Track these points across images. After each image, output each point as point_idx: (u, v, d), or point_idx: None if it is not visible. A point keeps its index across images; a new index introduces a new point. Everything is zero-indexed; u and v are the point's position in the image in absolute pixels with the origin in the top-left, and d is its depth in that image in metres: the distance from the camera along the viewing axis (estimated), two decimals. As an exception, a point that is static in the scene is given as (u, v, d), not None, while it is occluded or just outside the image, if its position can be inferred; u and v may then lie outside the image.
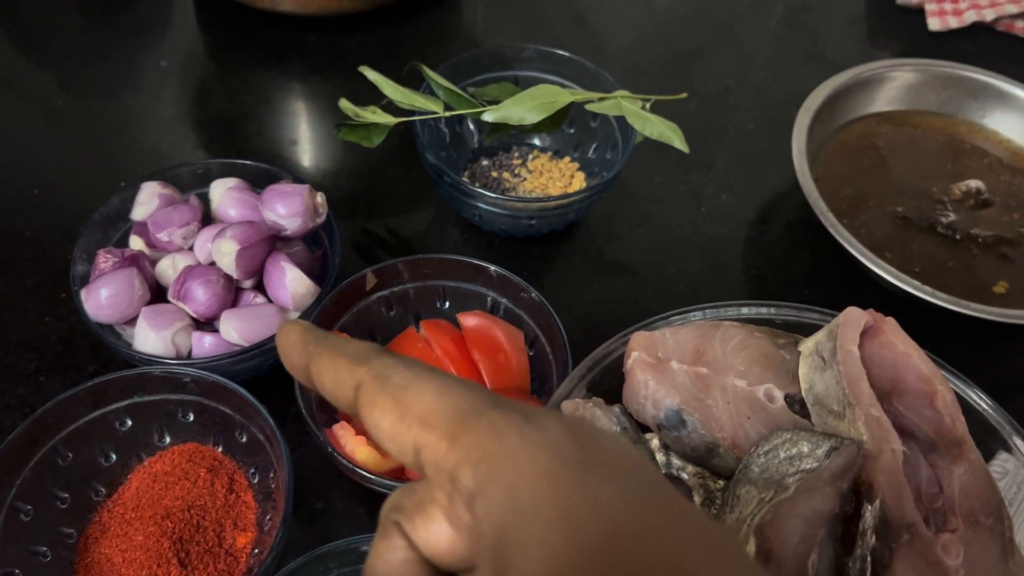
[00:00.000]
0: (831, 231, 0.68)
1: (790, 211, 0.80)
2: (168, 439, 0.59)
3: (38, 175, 0.77)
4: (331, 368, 0.28)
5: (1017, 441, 0.52)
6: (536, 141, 0.79)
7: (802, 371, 0.51)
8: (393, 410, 0.26)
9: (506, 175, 0.76)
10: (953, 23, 0.96)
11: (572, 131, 0.77)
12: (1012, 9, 0.95)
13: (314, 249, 0.65)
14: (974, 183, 0.77)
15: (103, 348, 0.64)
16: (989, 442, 0.53)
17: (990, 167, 0.80)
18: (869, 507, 0.45)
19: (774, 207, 0.80)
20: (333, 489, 0.60)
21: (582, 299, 0.72)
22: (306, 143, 0.83)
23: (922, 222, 0.75)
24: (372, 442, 0.55)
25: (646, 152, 0.77)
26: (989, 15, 0.96)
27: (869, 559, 0.45)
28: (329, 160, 0.81)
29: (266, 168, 0.66)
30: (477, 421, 0.24)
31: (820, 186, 0.71)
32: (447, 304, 0.65)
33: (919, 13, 1.00)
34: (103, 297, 0.57)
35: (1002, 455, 0.54)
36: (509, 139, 0.78)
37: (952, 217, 0.75)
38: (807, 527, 0.44)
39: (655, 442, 0.49)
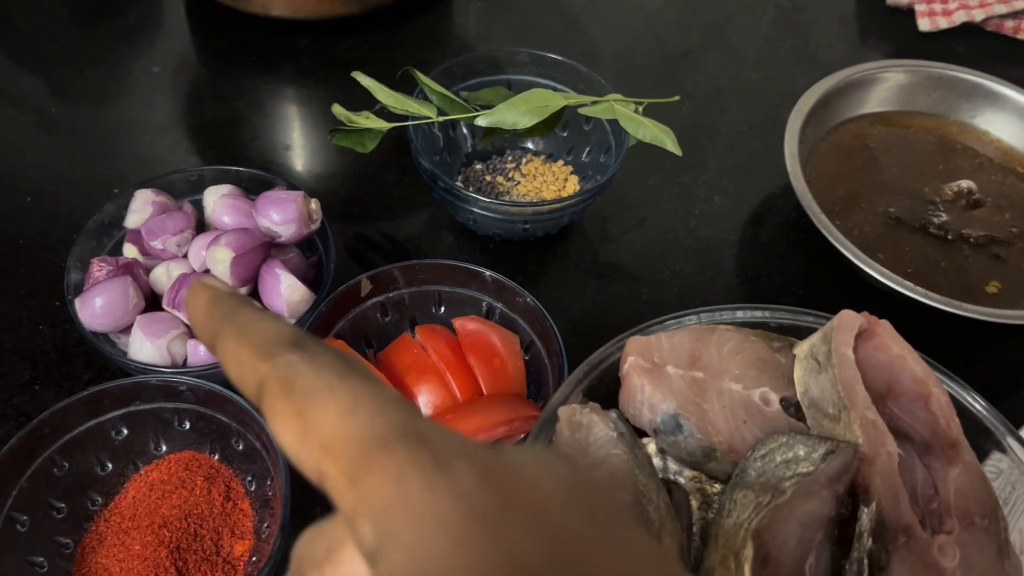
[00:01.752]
0: (824, 232, 0.68)
1: (783, 213, 0.80)
2: (164, 447, 0.58)
3: (30, 183, 0.77)
4: (234, 357, 0.25)
5: (1011, 442, 0.52)
6: (529, 145, 0.79)
7: (797, 374, 0.51)
8: (295, 425, 0.22)
9: (500, 179, 0.76)
10: (943, 23, 0.97)
11: (565, 135, 0.77)
12: (1001, 9, 0.96)
13: (309, 255, 0.65)
14: (965, 183, 0.78)
15: (98, 357, 0.64)
16: (983, 443, 0.53)
17: (981, 167, 0.80)
18: (865, 510, 0.45)
19: (767, 209, 0.81)
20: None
21: (577, 302, 0.72)
22: (299, 148, 0.83)
23: (914, 222, 0.75)
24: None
25: (638, 154, 0.78)
26: (978, 15, 0.96)
27: (866, 562, 0.45)
28: (323, 165, 0.81)
29: (260, 174, 0.66)
30: (380, 459, 0.21)
31: (812, 187, 0.71)
32: (443, 309, 0.65)
33: (909, 13, 1.00)
34: (98, 306, 0.57)
35: (996, 455, 0.54)
36: (502, 143, 0.79)
37: (944, 217, 0.76)
38: (804, 531, 0.44)
39: (652, 447, 0.50)
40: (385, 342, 0.64)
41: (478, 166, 0.77)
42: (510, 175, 0.77)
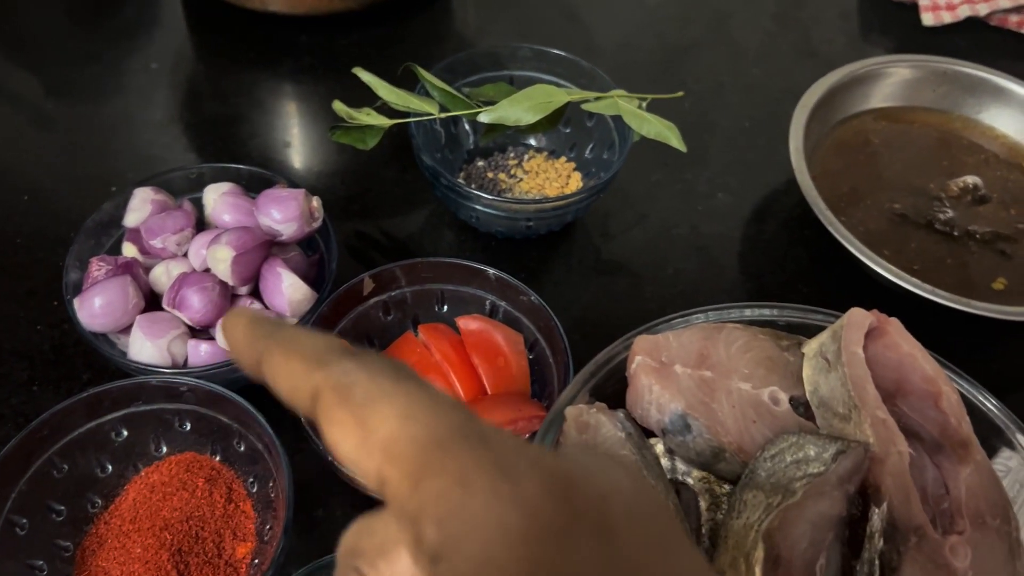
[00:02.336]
0: (829, 229, 0.68)
1: (787, 209, 0.80)
2: (165, 449, 0.58)
3: (28, 181, 0.76)
4: (285, 371, 0.25)
5: (1020, 438, 0.52)
6: (532, 141, 0.79)
7: (806, 373, 0.50)
8: (355, 432, 0.22)
9: (502, 176, 0.76)
10: (947, 18, 0.96)
11: (568, 131, 0.77)
12: (1005, 3, 0.95)
13: (310, 254, 0.65)
14: (971, 179, 0.77)
15: (97, 357, 0.64)
16: (992, 440, 0.52)
17: (987, 162, 0.80)
18: (876, 510, 0.45)
19: (771, 205, 0.80)
20: (332, 496, 0.60)
21: (580, 300, 0.72)
22: (299, 145, 0.82)
23: (919, 219, 0.75)
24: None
25: (641, 151, 0.77)
26: (983, 10, 0.96)
27: (877, 562, 0.45)
28: (323, 162, 0.81)
29: (260, 172, 0.66)
30: (444, 463, 0.21)
31: (817, 183, 0.71)
32: (445, 308, 0.64)
33: (912, 8, 0.99)
34: (97, 306, 0.56)
35: (1004, 453, 0.54)
36: (505, 140, 0.78)
37: (950, 214, 0.75)
38: (815, 531, 0.43)
39: (660, 447, 0.49)
40: (388, 341, 0.63)
41: (480, 163, 0.77)
42: (512, 172, 0.76)
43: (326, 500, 0.60)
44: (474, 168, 0.76)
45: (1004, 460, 0.54)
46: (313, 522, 0.59)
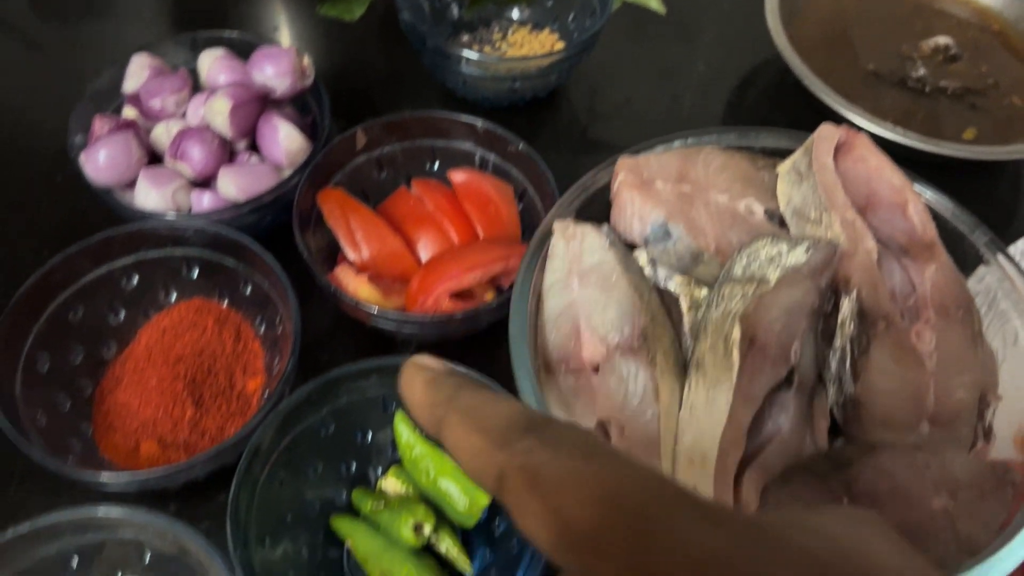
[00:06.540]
0: (805, 83, 0.70)
1: (766, 77, 0.82)
2: (174, 296, 0.60)
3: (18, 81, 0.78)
4: (466, 447, 0.23)
5: (980, 238, 0.53)
6: (515, 15, 0.80)
7: (780, 188, 0.53)
8: (551, 523, 0.20)
9: (487, 49, 0.77)
10: None
11: (550, 3, 0.79)
12: None
13: (304, 116, 0.67)
14: (943, 39, 0.80)
15: (106, 223, 0.66)
16: (962, 258, 0.54)
17: (959, 25, 0.82)
18: (846, 299, 0.48)
19: (752, 75, 0.82)
20: (336, 342, 0.63)
21: (567, 174, 0.74)
22: (287, 28, 0.84)
23: (892, 77, 0.77)
24: (373, 280, 0.57)
25: (624, 28, 0.79)
26: None
27: (849, 348, 0.48)
28: (312, 45, 0.82)
29: (252, 39, 0.67)
30: (660, 559, 0.19)
31: (795, 48, 0.73)
32: (436, 165, 0.67)
33: None
34: (101, 159, 0.59)
35: (976, 274, 0.56)
36: (489, 14, 0.80)
37: (922, 72, 0.77)
38: (789, 317, 0.46)
39: (643, 258, 0.52)
40: (382, 197, 0.66)
41: (465, 37, 0.79)
42: (497, 45, 0.78)
43: (331, 346, 0.63)
44: (459, 42, 0.78)
45: (974, 283, 0.57)
46: (318, 365, 0.62)
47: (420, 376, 0.26)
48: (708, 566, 0.18)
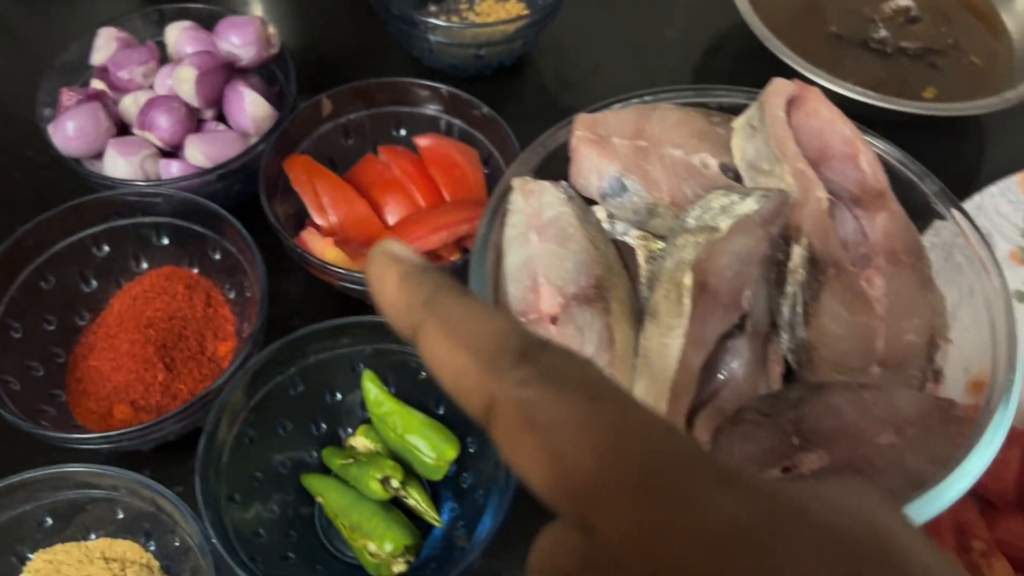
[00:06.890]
0: (767, 46, 0.71)
1: (734, 42, 0.83)
2: (145, 264, 0.61)
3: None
4: (449, 365, 0.20)
5: (931, 190, 0.54)
6: (482, -15, 0.81)
7: (735, 143, 0.54)
8: (548, 468, 0.18)
9: (455, 19, 0.78)
10: None
11: (516, -28, 0.79)
12: None
13: (271, 86, 0.68)
14: (904, 1, 0.81)
15: (78, 195, 0.67)
16: (919, 212, 0.55)
17: (919, -12, 0.83)
18: (797, 247, 0.49)
19: (720, 40, 0.83)
20: (307, 308, 0.63)
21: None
22: (256, 2, 0.84)
23: (854, 38, 0.78)
24: (340, 244, 0.58)
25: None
26: None
27: (799, 295, 0.49)
28: (281, 16, 0.83)
29: (218, 10, 0.68)
30: (670, 518, 0.17)
31: (762, 12, 0.74)
32: (402, 132, 0.68)
33: None
34: (70, 130, 0.59)
35: (932, 228, 0.58)
36: (455, -16, 0.80)
37: (883, 33, 0.79)
38: (740, 264, 0.48)
39: (601, 213, 0.53)
40: (349, 164, 0.67)
41: (432, 7, 0.79)
42: (464, 15, 0.79)
43: (302, 312, 0.64)
44: (426, 13, 0.79)
45: (930, 238, 0.58)
46: (289, 330, 0.63)
47: (393, 269, 0.22)
48: (724, 538, 0.16)
